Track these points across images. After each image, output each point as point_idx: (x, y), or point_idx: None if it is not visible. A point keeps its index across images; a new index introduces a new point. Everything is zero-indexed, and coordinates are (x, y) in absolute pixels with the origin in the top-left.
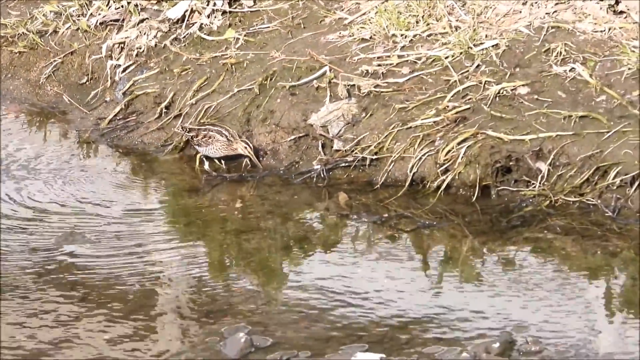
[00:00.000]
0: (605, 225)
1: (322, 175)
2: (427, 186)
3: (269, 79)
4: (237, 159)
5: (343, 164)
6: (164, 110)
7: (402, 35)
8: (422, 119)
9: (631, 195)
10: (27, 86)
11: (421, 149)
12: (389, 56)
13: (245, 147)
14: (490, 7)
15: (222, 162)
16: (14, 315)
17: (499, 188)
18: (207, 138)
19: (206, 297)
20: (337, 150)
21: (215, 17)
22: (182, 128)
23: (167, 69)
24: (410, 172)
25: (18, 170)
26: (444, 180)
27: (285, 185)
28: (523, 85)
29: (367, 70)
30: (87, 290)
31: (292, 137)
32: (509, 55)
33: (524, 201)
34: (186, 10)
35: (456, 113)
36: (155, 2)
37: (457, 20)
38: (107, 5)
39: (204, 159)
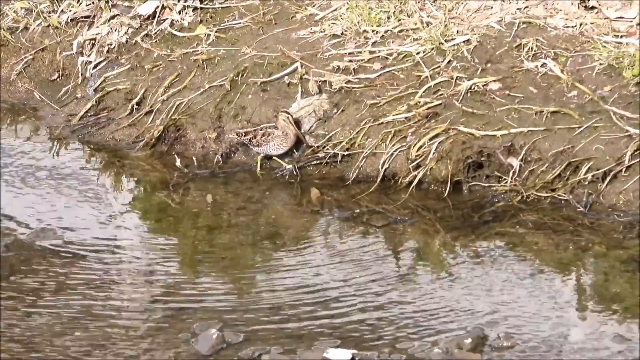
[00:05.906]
0: (576, 221)
1: (294, 172)
2: (399, 182)
3: (240, 75)
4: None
5: (315, 161)
6: (135, 106)
7: (373, 31)
8: (393, 115)
9: (602, 191)
10: None
11: (393, 145)
12: (360, 52)
13: (287, 117)
14: (462, 3)
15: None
16: None
17: (471, 184)
18: (267, 136)
19: (177, 293)
20: (308, 147)
21: (186, 13)
22: (237, 134)
23: (138, 65)
24: (382, 167)
25: None
26: (415, 176)
27: (257, 181)
28: (494, 80)
29: (339, 66)
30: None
31: None
32: (481, 51)
33: (496, 196)
34: (157, 7)
35: (428, 109)
36: None
37: (428, 16)
38: (78, 2)
39: (265, 159)
